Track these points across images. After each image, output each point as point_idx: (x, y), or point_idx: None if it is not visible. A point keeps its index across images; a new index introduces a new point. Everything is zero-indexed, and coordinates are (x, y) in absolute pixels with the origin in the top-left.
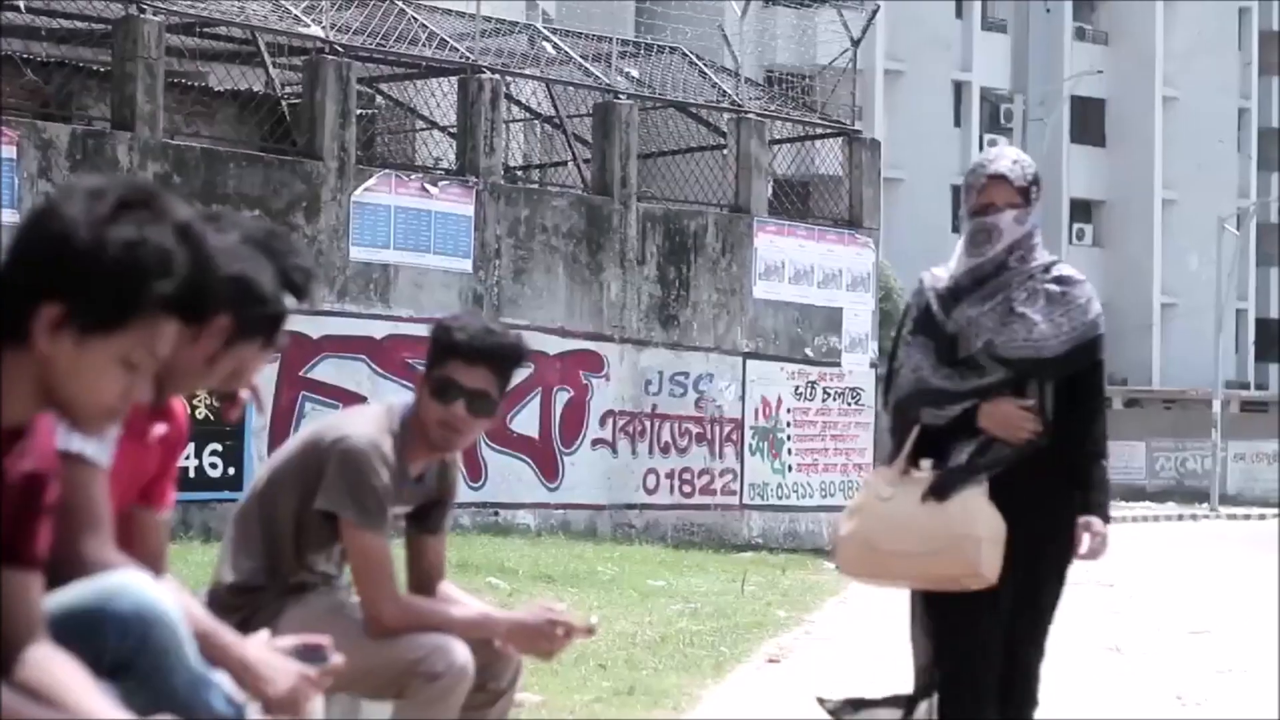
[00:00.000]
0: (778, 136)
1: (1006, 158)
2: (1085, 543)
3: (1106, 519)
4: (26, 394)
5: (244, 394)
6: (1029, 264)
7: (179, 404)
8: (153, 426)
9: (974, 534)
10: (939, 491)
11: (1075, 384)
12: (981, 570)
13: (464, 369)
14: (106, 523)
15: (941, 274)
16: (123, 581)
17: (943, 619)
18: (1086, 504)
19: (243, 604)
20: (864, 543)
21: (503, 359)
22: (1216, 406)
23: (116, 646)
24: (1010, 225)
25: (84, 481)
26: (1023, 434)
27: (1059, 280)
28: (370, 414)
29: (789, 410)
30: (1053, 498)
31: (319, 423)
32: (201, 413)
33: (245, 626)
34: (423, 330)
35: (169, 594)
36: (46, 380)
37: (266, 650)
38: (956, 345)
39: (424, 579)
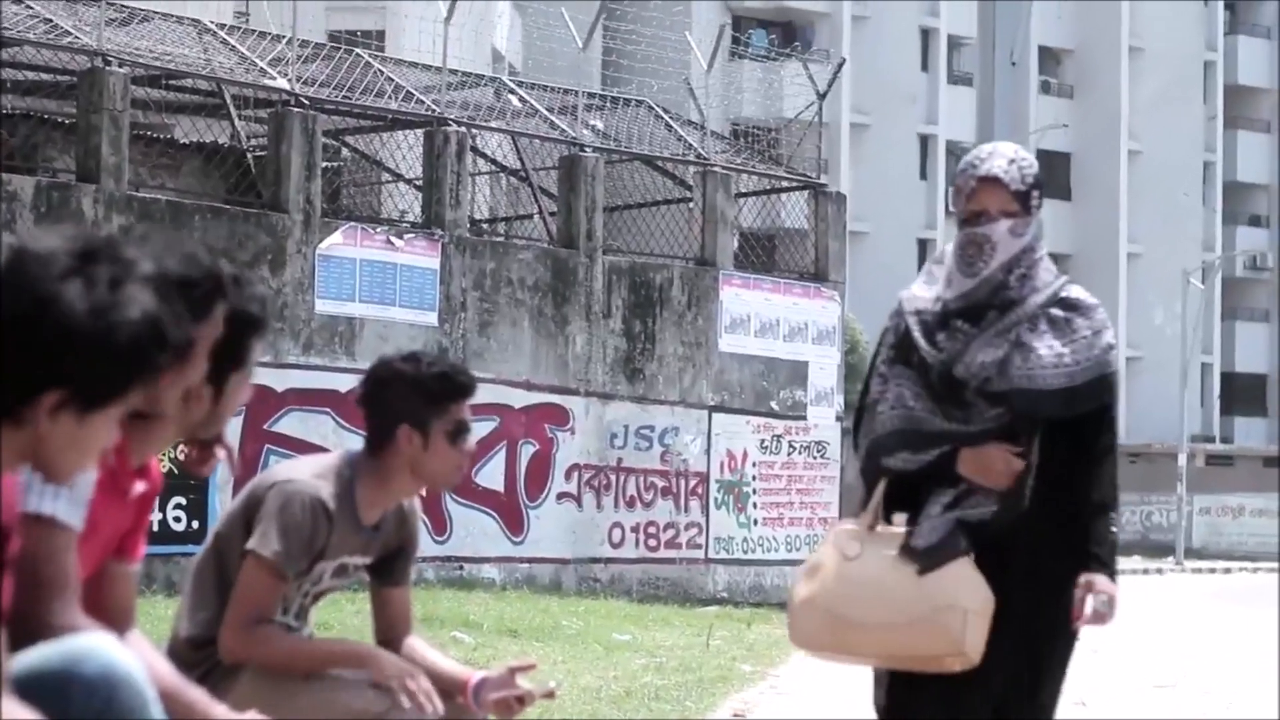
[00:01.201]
0: (743, 189)
1: (1001, 156)
2: (1087, 605)
3: (1112, 575)
4: (10, 459)
5: (220, 452)
6: (1032, 284)
7: (156, 464)
8: (134, 484)
9: (959, 604)
10: (924, 563)
11: (1078, 431)
12: (966, 648)
13: (463, 407)
14: (75, 586)
15: (924, 295)
16: (90, 644)
17: (916, 707)
18: (1085, 560)
19: (201, 659)
20: (824, 610)
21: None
22: (1182, 460)
23: (83, 708)
24: (1005, 238)
25: (56, 546)
26: (1006, 480)
27: (1065, 304)
28: (317, 462)
29: (754, 464)
30: (1052, 563)
31: (266, 471)
32: (166, 465)
33: (205, 681)
34: None
35: (135, 656)
36: (38, 450)
37: (233, 712)
38: (945, 380)
39: (389, 632)
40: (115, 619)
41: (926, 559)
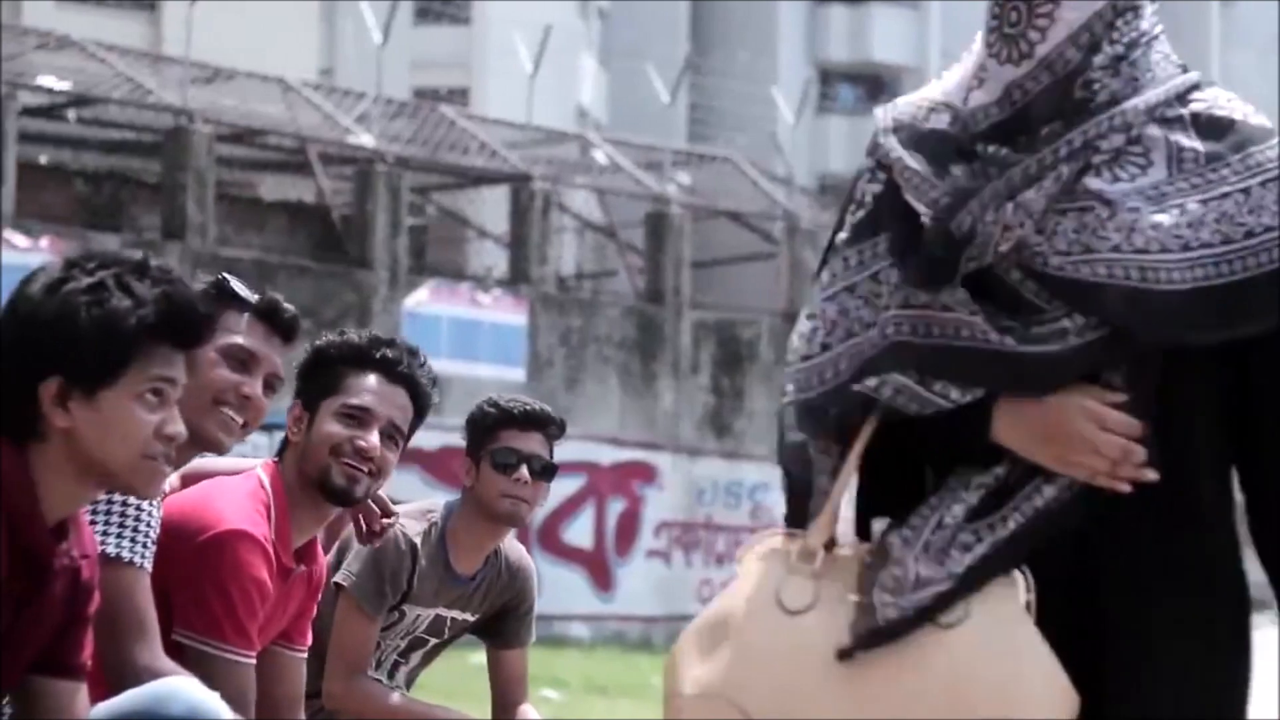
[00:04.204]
0: None
1: None
2: None
3: None
4: (65, 482)
5: (387, 522)
6: (1134, 83)
7: (319, 548)
8: (297, 567)
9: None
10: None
11: (1247, 378)
12: None
13: (519, 436)
14: (154, 628)
15: (929, 101)
16: (174, 686)
17: None
18: None
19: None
20: (731, 706)
21: (551, 424)
22: None
23: None
24: None
25: (127, 585)
26: (1101, 467)
27: (1201, 123)
28: (408, 505)
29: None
30: (1188, 613)
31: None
32: None
33: None
34: None
35: (219, 697)
36: (80, 455)
37: None
38: (949, 256)
39: (502, 698)
40: (280, 708)
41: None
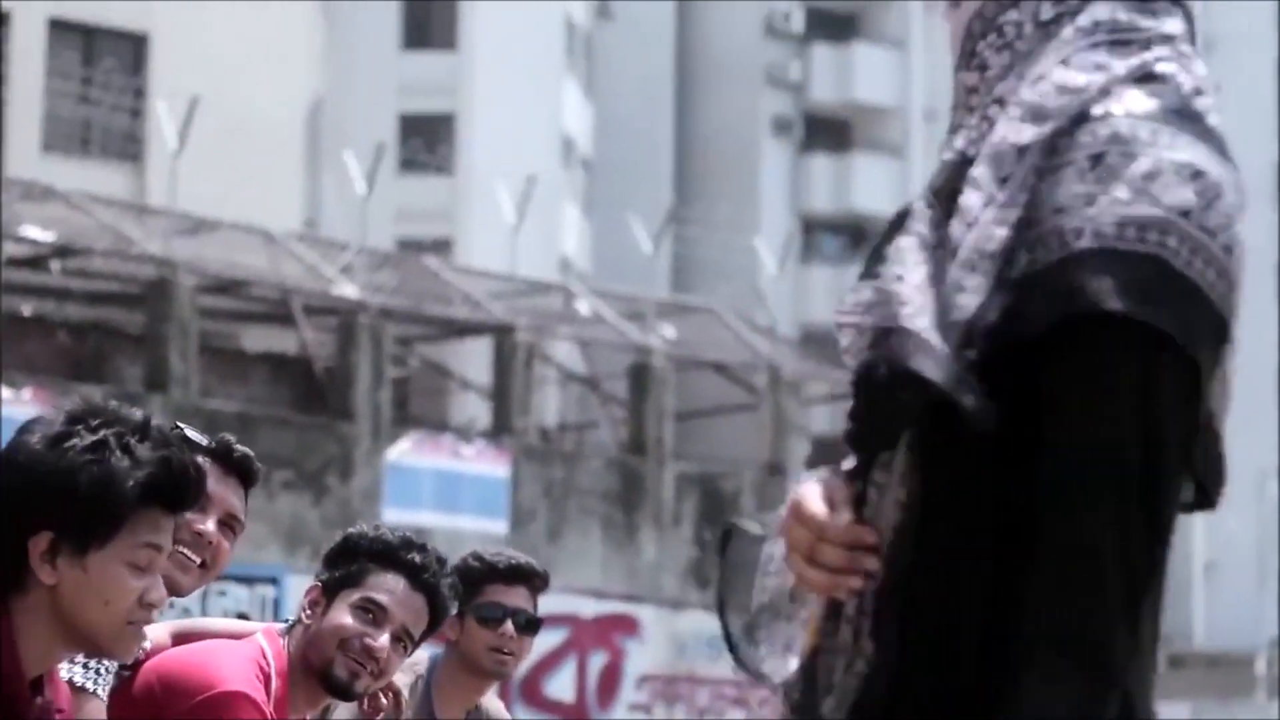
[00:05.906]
0: (815, 394)
1: None
2: None
3: None
4: (45, 638)
5: (384, 701)
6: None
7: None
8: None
9: None
10: None
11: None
12: None
13: (504, 590)
14: None
15: None
16: None
17: None
18: None
19: None
20: None
21: (535, 577)
22: (1260, 667)
23: None
24: None
25: (89, 714)
26: (819, 583)
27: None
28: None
29: None
30: None
31: None
32: None
33: None
34: None
35: None
36: (61, 615)
37: None
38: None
39: None
40: None
41: None
